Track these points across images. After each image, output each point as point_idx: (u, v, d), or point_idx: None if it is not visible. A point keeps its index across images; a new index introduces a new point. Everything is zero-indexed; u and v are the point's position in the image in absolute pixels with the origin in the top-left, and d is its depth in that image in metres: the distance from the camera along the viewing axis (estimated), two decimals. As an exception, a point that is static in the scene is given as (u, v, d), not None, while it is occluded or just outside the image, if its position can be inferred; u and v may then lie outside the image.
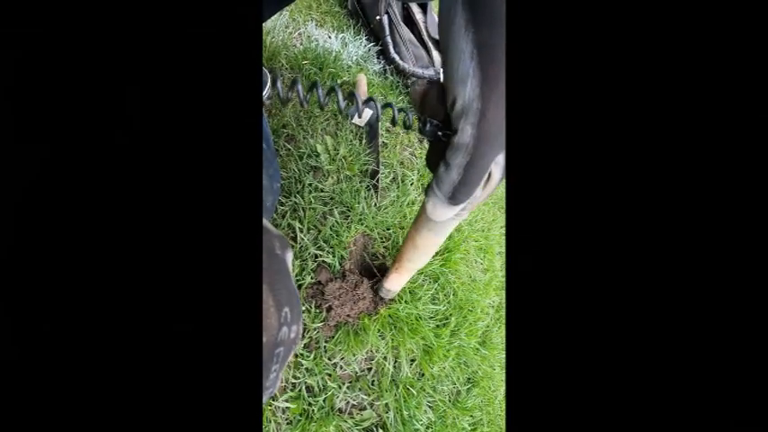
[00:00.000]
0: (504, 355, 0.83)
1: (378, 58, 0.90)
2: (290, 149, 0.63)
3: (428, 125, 0.29)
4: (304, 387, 0.49)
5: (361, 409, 0.54)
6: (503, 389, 0.84)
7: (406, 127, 0.34)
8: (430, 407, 0.61)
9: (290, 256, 0.25)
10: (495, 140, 0.24)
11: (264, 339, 0.20)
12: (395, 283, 0.51)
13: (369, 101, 0.35)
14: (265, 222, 0.24)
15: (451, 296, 0.67)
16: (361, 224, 0.60)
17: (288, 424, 0.47)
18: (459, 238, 0.73)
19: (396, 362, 0.57)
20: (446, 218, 0.30)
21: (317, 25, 0.87)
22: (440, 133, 0.29)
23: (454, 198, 0.27)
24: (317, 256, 0.55)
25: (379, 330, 0.54)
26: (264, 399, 0.20)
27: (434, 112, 0.29)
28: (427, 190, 0.32)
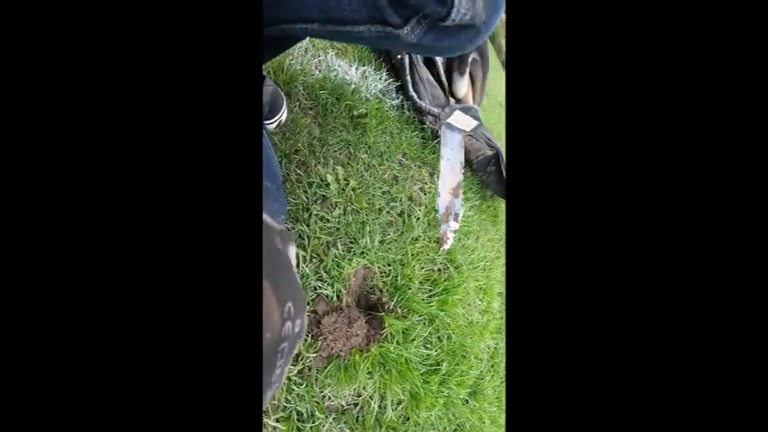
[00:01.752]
0: (494, 409, 0.81)
1: (397, 92, 0.93)
2: (300, 176, 0.64)
3: None
4: (294, 412, 0.49)
5: (343, 445, 0.53)
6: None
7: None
8: (413, 453, 0.59)
9: (292, 249, 0.25)
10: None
11: (268, 336, 0.20)
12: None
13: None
14: (266, 218, 0.24)
15: (445, 340, 0.67)
16: (364, 257, 0.61)
17: (277, 442, 0.46)
18: (458, 278, 0.73)
19: (382, 402, 0.56)
20: None
21: (337, 55, 0.89)
22: None
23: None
24: (316, 288, 0.55)
25: (368, 369, 0.54)
26: (270, 393, 0.20)
27: None
28: None
